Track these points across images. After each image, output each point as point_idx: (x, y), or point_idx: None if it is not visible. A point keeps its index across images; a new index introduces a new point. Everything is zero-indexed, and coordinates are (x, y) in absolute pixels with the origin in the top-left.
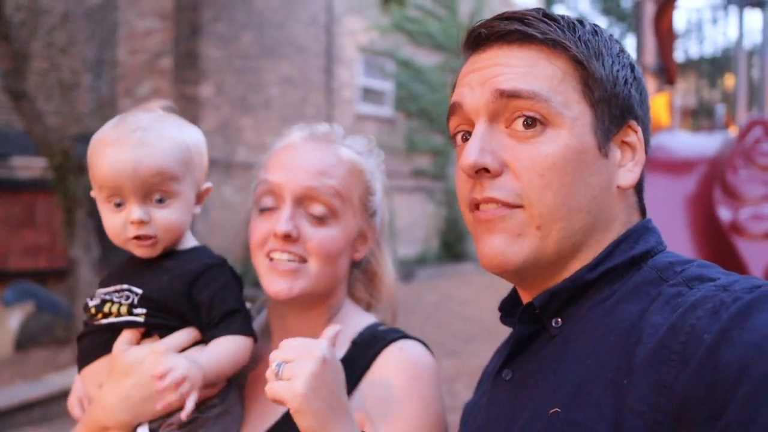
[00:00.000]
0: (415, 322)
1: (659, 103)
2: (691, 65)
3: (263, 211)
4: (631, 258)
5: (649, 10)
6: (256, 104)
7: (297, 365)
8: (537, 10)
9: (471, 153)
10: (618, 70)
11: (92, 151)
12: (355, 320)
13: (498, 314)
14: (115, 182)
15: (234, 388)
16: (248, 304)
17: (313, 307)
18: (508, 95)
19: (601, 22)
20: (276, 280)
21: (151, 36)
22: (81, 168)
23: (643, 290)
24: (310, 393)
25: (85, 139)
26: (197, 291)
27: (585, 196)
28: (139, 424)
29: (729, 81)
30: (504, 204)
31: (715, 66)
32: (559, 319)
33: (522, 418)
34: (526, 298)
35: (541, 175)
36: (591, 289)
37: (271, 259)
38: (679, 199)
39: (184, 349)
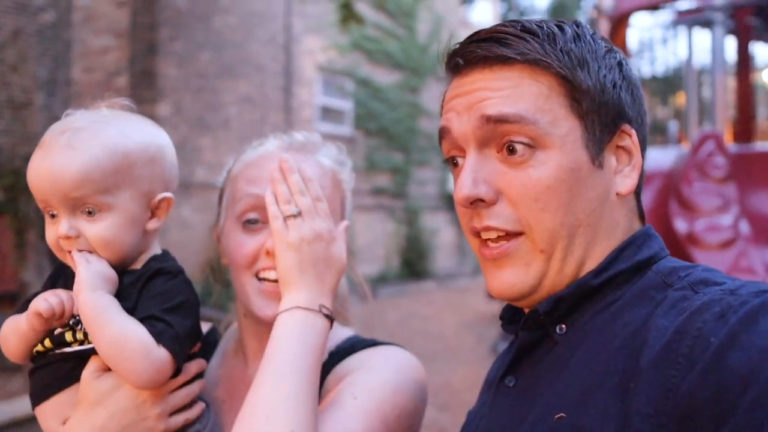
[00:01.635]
0: None
1: None
2: (643, 84)
3: (248, 227)
4: (636, 264)
5: (603, 28)
6: (215, 124)
7: (303, 221)
8: (514, 24)
9: (464, 185)
10: (605, 75)
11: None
12: (333, 334)
13: (459, 331)
14: (39, 192)
15: (213, 412)
16: (205, 325)
17: None
18: (495, 120)
19: None
20: (270, 304)
21: (107, 54)
22: None
23: (647, 295)
24: None
25: None
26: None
27: (584, 212)
28: None
29: (680, 99)
30: (503, 232)
31: (666, 84)
32: (564, 326)
33: (526, 424)
34: (527, 309)
35: (536, 199)
36: (596, 295)
37: (261, 279)
38: None
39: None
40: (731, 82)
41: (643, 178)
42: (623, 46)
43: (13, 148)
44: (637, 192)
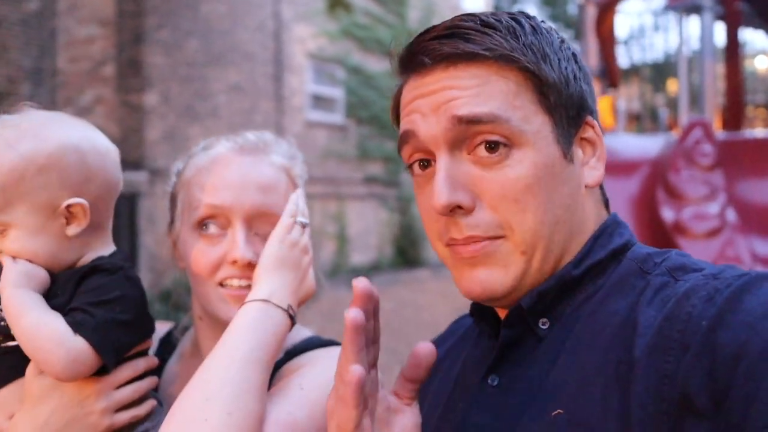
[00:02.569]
0: None
1: (603, 106)
2: (634, 71)
3: (206, 235)
4: (611, 252)
5: (591, 14)
6: (204, 112)
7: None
8: (472, 17)
9: (442, 193)
10: (566, 67)
11: None
12: (291, 335)
13: (452, 319)
14: None
15: (164, 410)
16: (164, 325)
17: None
18: (467, 121)
19: None
20: (236, 308)
21: (93, 43)
22: None
23: (628, 283)
24: None
25: None
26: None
27: (560, 207)
28: None
29: (672, 86)
30: (485, 239)
31: (658, 71)
32: (546, 321)
33: (519, 424)
34: (502, 312)
35: (516, 200)
36: (575, 286)
37: (224, 286)
38: (623, 200)
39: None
40: (721, 69)
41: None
42: (611, 33)
43: None
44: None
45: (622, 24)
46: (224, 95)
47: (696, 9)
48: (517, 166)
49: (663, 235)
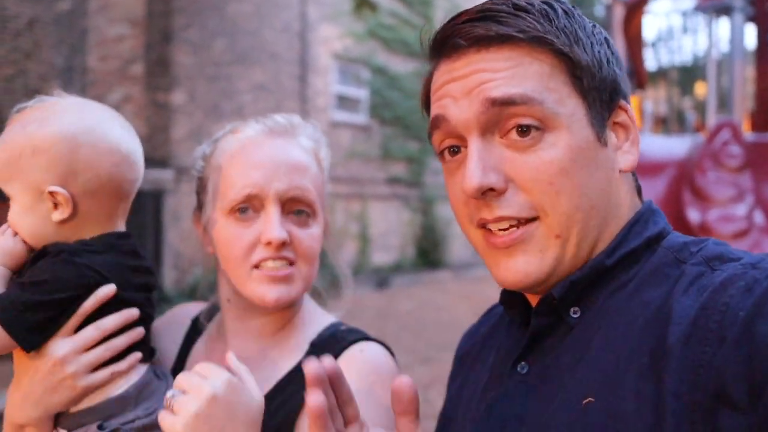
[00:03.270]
0: (391, 330)
1: None
2: (662, 74)
3: (240, 217)
4: (645, 240)
5: (618, 14)
6: (229, 111)
7: (185, 401)
8: (505, 1)
9: (474, 175)
10: (599, 51)
11: None
12: (315, 320)
13: (473, 320)
14: None
15: (167, 375)
16: (197, 306)
17: (282, 308)
18: (501, 103)
19: None
20: (272, 288)
21: (122, 42)
22: None
23: (662, 272)
24: None
25: None
26: None
27: (595, 192)
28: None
29: (700, 89)
30: (517, 220)
31: (686, 74)
32: (577, 309)
33: (549, 411)
34: (533, 298)
35: (550, 183)
36: (608, 276)
37: (258, 267)
38: None
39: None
40: (750, 71)
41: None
42: (638, 34)
43: None
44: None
45: (650, 26)
46: (249, 94)
47: (726, 10)
48: (551, 149)
49: None
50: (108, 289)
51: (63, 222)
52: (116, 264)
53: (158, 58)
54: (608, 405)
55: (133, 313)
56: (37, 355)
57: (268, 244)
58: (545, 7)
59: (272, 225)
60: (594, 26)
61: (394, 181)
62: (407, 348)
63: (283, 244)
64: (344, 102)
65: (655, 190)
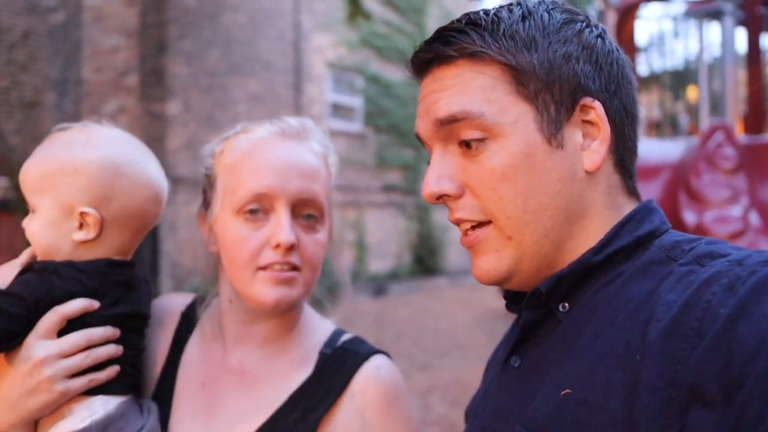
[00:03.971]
0: (389, 337)
1: None
2: (654, 78)
3: (247, 216)
4: (636, 239)
5: (611, 20)
6: (224, 121)
7: None
8: (463, 17)
9: (428, 183)
10: (556, 50)
11: None
12: (317, 326)
13: (471, 327)
14: None
15: (151, 411)
16: (185, 297)
17: (284, 313)
18: (446, 122)
19: None
20: (276, 289)
21: (117, 54)
22: None
23: (651, 270)
24: None
25: None
26: None
27: (546, 195)
28: None
29: (692, 93)
30: (473, 222)
31: (678, 78)
32: (566, 304)
33: (533, 402)
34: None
35: (493, 189)
36: (597, 271)
37: (264, 269)
38: None
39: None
40: (742, 74)
41: (627, 152)
42: (631, 39)
43: (24, 147)
44: (623, 168)
45: (642, 31)
46: (244, 104)
47: (716, 15)
48: (494, 157)
49: None
50: (90, 303)
51: (82, 243)
52: (95, 290)
53: (153, 68)
54: (582, 396)
55: (116, 332)
56: (17, 357)
57: (277, 246)
58: (499, 13)
59: (283, 228)
60: (567, 23)
61: (389, 188)
62: (405, 355)
63: (291, 248)
64: (339, 110)
65: (650, 193)
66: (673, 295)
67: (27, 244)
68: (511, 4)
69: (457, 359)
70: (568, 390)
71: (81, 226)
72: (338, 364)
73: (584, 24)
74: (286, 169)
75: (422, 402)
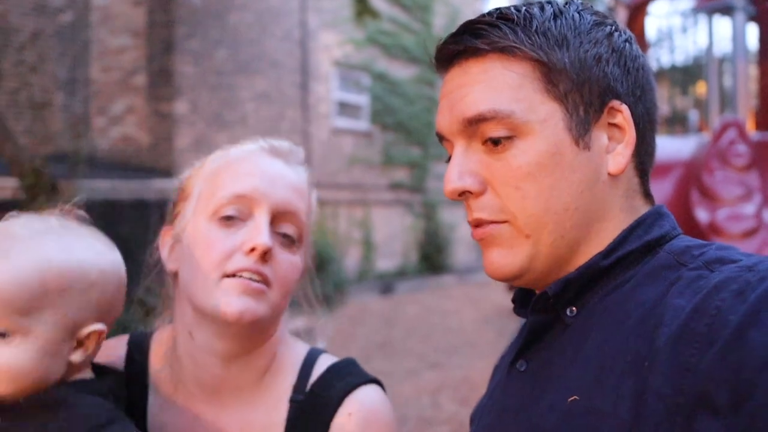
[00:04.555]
0: (397, 335)
1: None
2: (663, 74)
3: (222, 220)
4: (645, 243)
5: (621, 16)
6: (232, 120)
7: None
8: (494, 11)
9: (450, 179)
10: (587, 50)
11: None
12: (290, 362)
13: (479, 325)
14: None
15: None
16: (117, 345)
17: (251, 348)
18: (474, 121)
19: None
20: (242, 298)
21: (124, 53)
22: (53, 187)
23: (660, 275)
24: None
25: (58, 158)
26: None
27: (569, 195)
28: None
29: (701, 89)
30: (492, 222)
31: (686, 74)
32: (574, 308)
33: (540, 408)
34: (537, 290)
35: (516, 188)
36: (605, 276)
37: (232, 277)
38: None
39: None
40: (753, 70)
41: (647, 156)
42: (641, 35)
43: (34, 147)
44: (641, 171)
45: (651, 26)
46: (252, 103)
47: (726, 10)
48: (521, 155)
49: (698, 237)
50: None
51: (75, 364)
52: (116, 415)
53: (160, 68)
54: (590, 402)
55: None
56: None
57: (252, 251)
58: (533, 11)
59: (261, 231)
60: (597, 24)
61: (396, 186)
62: (414, 353)
63: (265, 255)
64: (345, 109)
65: (662, 191)
66: (681, 300)
67: None
68: (541, 2)
69: (466, 357)
70: (575, 396)
71: (78, 345)
72: (311, 416)
73: (613, 27)
74: (273, 177)
75: (432, 400)
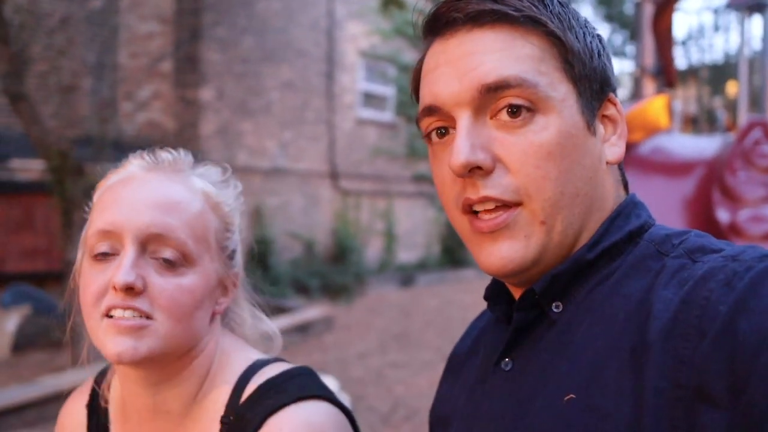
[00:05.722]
0: (415, 327)
1: (658, 105)
2: (692, 73)
3: (97, 258)
4: (628, 234)
5: (648, 11)
6: (257, 108)
7: None
8: None
9: (461, 151)
10: (591, 41)
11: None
12: (225, 378)
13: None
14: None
15: None
16: (74, 403)
17: (172, 374)
18: (495, 88)
19: (604, 28)
20: (117, 339)
21: (152, 39)
22: (79, 170)
23: (644, 265)
24: None
25: (85, 141)
26: None
27: (581, 179)
28: None
29: (732, 88)
30: (501, 202)
31: (717, 73)
32: (560, 303)
33: (532, 408)
34: (516, 292)
35: (536, 166)
36: (590, 269)
37: (111, 317)
38: (677, 202)
39: None
40: None
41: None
42: (668, 32)
43: (61, 130)
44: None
45: (680, 24)
46: (277, 92)
47: (759, 7)
48: (542, 132)
49: (718, 237)
50: None
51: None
52: None
53: (187, 55)
54: (588, 401)
55: None
56: None
57: (114, 288)
58: None
59: (120, 266)
60: (587, 21)
61: (419, 178)
62: (432, 346)
63: (130, 290)
64: (370, 99)
65: (684, 189)
66: (668, 292)
67: (66, 226)
68: None
69: None
70: (571, 395)
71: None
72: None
73: (594, 26)
74: (139, 201)
75: None
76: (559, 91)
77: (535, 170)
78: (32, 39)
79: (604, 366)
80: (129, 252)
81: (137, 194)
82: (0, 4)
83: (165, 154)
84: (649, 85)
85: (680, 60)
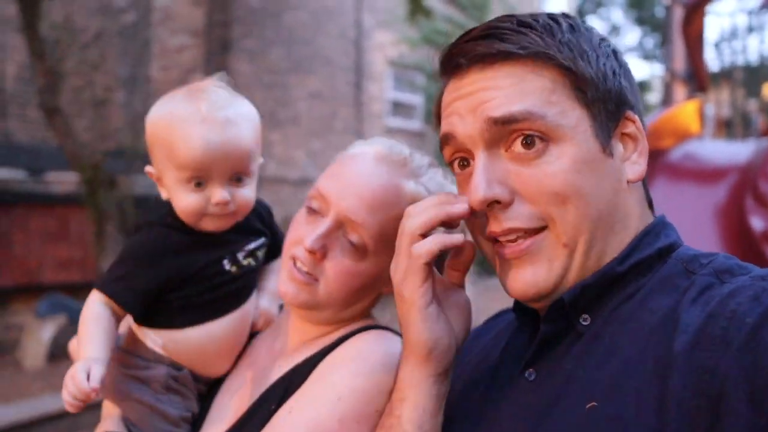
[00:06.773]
0: None
1: (689, 110)
2: (725, 75)
3: (309, 210)
4: (657, 251)
5: (678, 15)
6: (285, 119)
7: None
8: (510, 18)
9: (479, 188)
10: (604, 63)
11: (173, 130)
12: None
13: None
14: (204, 164)
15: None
16: None
17: (317, 321)
18: (503, 122)
19: (635, 32)
20: (286, 282)
21: (183, 52)
22: (111, 182)
23: (672, 282)
24: None
25: (118, 154)
26: None
27: (602, 202)
28: None
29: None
30: (525, 231)
31: (752, 75)
32: (588, 317)
33: (554, 417)
34: (543, 310)
35: (555, 194)
36: (619, 283)
37: (293, 261)
38: (709, 209)
39: None
40: None
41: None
42: (699, 35)
43: (94, 143)
44: (643, 180)
45: (713, 25)
46: (305, 102)
47: None
48: (556, 161)
49: (750, 245)
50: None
51: None
52: None
53: (217, 67)
54: (610, 409)
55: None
56: None
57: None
58: (549, 22)
59: (315, 233)
60: (602, 40)
61: None
62: None
63: (312, 253)
64: (399, 108)
65: (715, 196)
66: (696, 307)
67: (99, 236)
68: (549, 15)
69: None
70: (593, 403)
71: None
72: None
73: (612, 43)
74: (352, 185)
75: None
76: (571, 118)
77: (554, 197)
78: (66, 54)
79: (628, 376)
80: (327, 223)
81: (353, 177)
82: (37, 21)
83: (401, 149)
84: (679, 90)
85: (713, 62)
